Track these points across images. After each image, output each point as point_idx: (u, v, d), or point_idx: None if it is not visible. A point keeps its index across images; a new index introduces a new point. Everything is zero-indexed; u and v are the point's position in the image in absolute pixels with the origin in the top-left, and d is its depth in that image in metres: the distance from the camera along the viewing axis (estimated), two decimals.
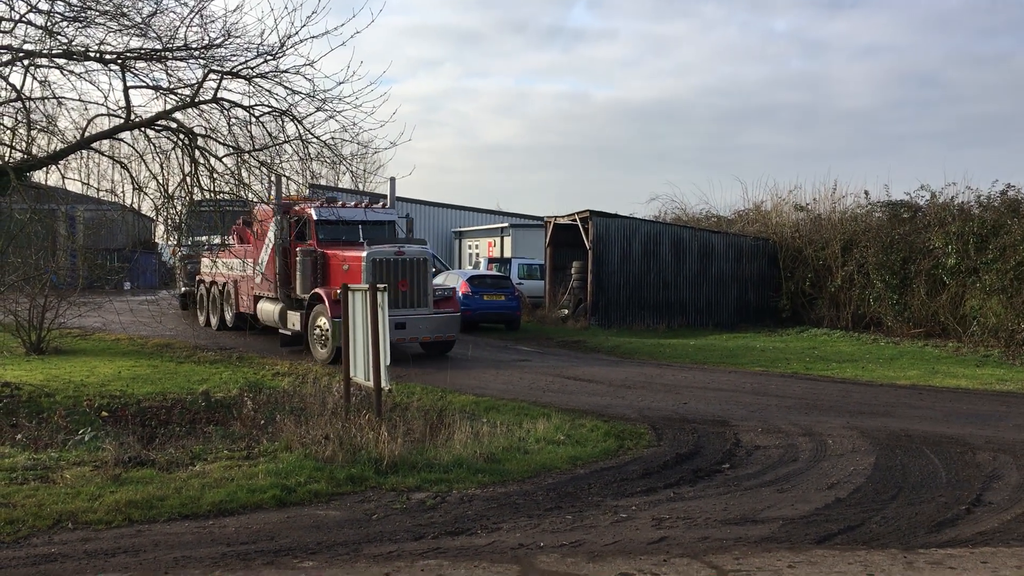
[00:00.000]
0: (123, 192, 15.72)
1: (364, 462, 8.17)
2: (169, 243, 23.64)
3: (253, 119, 12.10)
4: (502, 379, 14.18)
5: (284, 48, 11.32)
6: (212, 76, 11.61)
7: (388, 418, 9.50)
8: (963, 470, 8.03)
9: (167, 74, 11.74)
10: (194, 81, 11.77)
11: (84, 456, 8.68)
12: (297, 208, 18.43)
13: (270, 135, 12.39)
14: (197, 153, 11.97)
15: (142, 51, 11.59)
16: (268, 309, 19.07)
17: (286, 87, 11.71)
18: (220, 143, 12.16)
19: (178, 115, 11.97)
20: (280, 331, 18.10)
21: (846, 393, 12.59)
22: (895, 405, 11.51)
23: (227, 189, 12.70)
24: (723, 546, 6.11)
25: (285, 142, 12.37)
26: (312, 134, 12.19)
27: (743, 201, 25.44)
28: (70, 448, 9.24)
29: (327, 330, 16.22)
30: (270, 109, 11.96)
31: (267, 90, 11.77)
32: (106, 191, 15.44)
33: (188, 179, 12.17)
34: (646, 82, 76.03)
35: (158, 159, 12.46)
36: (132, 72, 11.74)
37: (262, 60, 11.48)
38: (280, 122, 12.22)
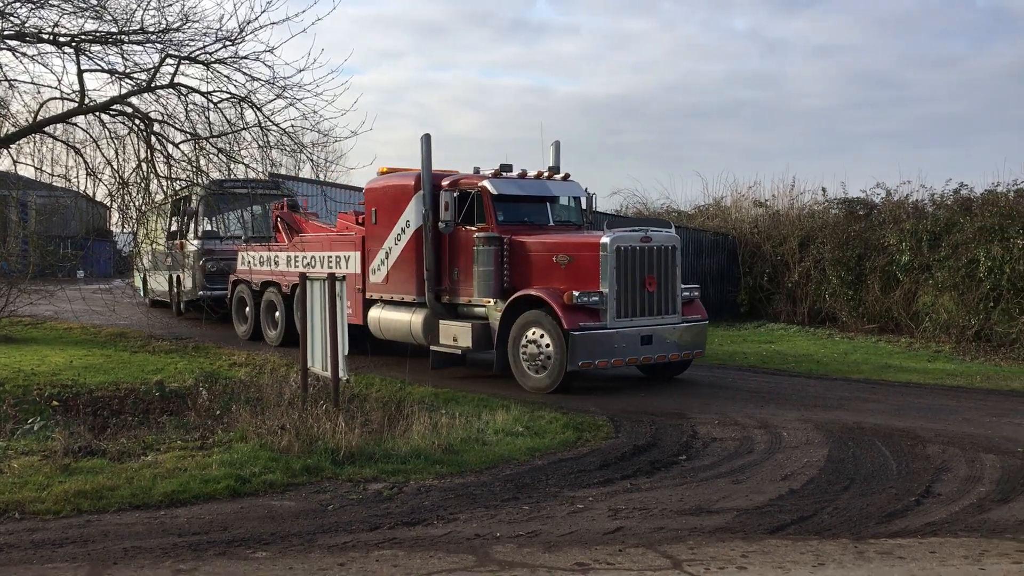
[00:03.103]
0: (77, 178, 15.43)
1: (321, 452, 8.11)
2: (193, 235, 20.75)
3: (211, 105, 11.93)
4: (463, 371, 14.15)
5: (243, 34, 11.17)
6: (169, 61, 11.43)
7: (346, 409, 9.44)
8: (913, 462, 8.17)
9: (123, 58, 11.55)
10: (150, 66, 11.59)
11: (33, 446, 8.52)
12: (451, 180, 13.75)
13: (229, 122, 12.23)
14: (153, 139, 11.77)
15: (97, 34, 11.37)
16: (396, 320, 14.32)
17: (245, 73, 11.57)
18: (177, 129, 11.97)
19: (134, 100, 11.78)
20: (432, 348, 13.62)
21: (801, 387, 12.75)
22: (848, 399, 11.69)
23: (184, 176, 12.52)
24: (678, 536, 6.15)
25: (244, 129, 12.22)
26: (272, 121, 12.05)
27: (703, 196, 25.61)
28: (18, 437, 9.06)
29: (549, 348, 12.00)
30: (229, 95, 11.81)
31: (226, 76, 11.62)
32: (59, 177, 15.14)
33: (144, 165, 11.97)
34: (608, 77, 76.44)
35: (113, 145, 12.26)
36: (86, 55, 11.52)
37: (221, 45, 11.34)
38: (239, 109, 12.07)
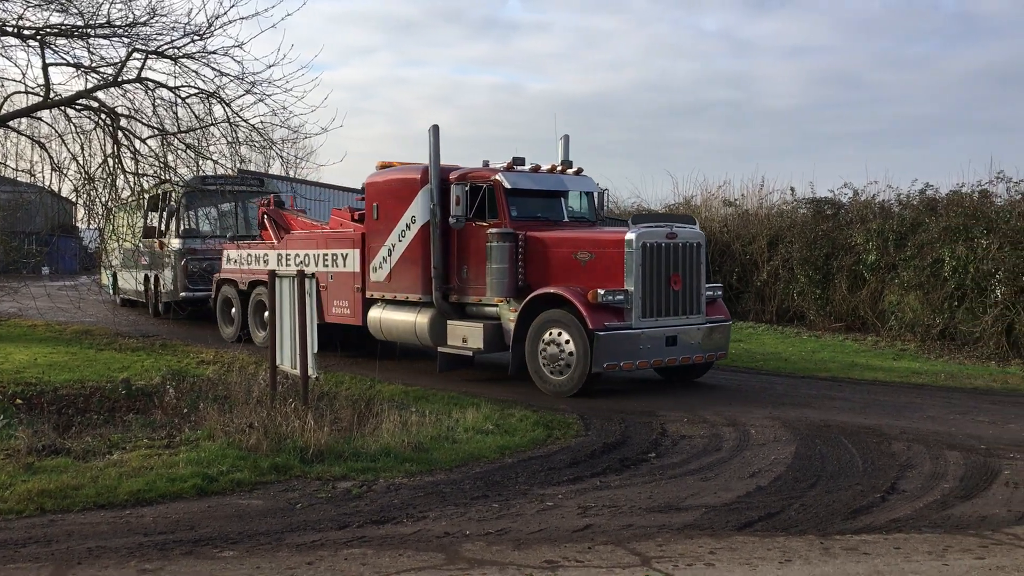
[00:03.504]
0: (42, 173, 15.21)
1: (289, 451, 8.06)
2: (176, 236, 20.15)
3: (179, 100, 11.82)
4: (433, 368, 14.12)
5: (212, 28, 11.07)
6: (136, 55, 11.29)
7: (315, 407, 9.39)
8: (879, 459, 8.27)
9: (89, 52, 11.40)
10: (117, 60, 11.45)
11: None
12: (461, 174, 13.17)
13: (197, 117, 12.11)
14: (120, 134, 11.63)
15: (62, 27, 11.21)
16: (399, 320, 13.74)
17: (214, 68, 11.46)
18: (144, 124, 11.84)
19: (100, 94, 11.63)
20: (440, 350, 13.16)
21: (769, 384, 12.86)
22: (816, 397, 11.80)
23: (151, 172, 12.39)
24: (647, 533, 6.18)
25: (212, 124, 12.11)
26: (241, 117, 11.96)
27: (674, 195, 25.62)
28: None
29: (570, 349, 11.47)
30: (197, 91, 11.70)
31: (194, 71, 11.51)
32: (24, 172, 14.91)
33: (110, 161, 11.82)
34: (580, 75, 76.64)
35: (79, 140, 12.09)
36: (52, 49, 11.35)
37: (189, 40, 11.22)
38: (207, 104, 11.96)
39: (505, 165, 13.05)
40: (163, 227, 20.97)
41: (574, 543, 5.98)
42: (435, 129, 13.02)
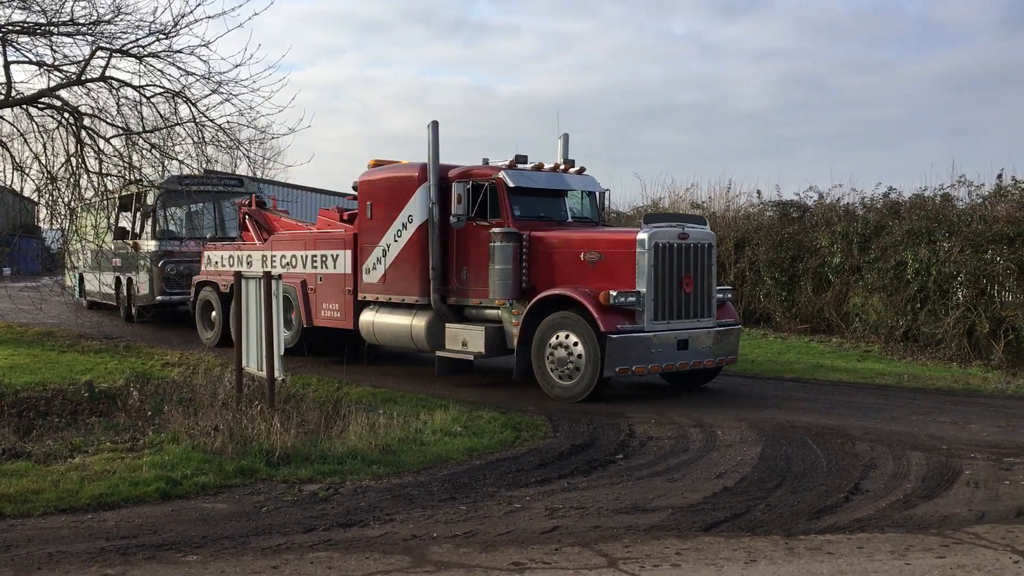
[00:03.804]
0: (3, 172, 14.95)
1: (255, 454, 7.99)
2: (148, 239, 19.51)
3: (144, 100, 11.71)
4: (401, 370, 14.08)
5: (178, 27, 10.99)
6: (100, 53, 11.17)
7: (281, 409, 9.31)
8: (843, 459, 8.36)
9: (52, 50, 11.26)
10: (81, 58, 11.31)
11: None
12: (461, 171, 12.83)
13: (162, 117, 12.00)
14: (83, 134, 11.49)
15: (25, 25, 11.06)
16: (394, 324, 13.40)
17: (180, 68, 11.37)
18: (108, 124, 11.72)
19: (63, 93, 11.49)
20: (438, 354, 12.84)
21: (736, 386, 12.96)
22: (781, 398, 11.92)
23: (116, 172, 12.24)
24: (614, 535, 6.20)
25: (178, 124, 12.01)
26: (207, 117, 11.87)
27: (642, 198, 25.71)
28: None
29: (580, 353, 11.19)
30: (162, 90, 11.60)
31: (159, 70, 11.42)
32: None
33: (73, 160, 11.68)
34: (549, 77, 76.78)
35: (41, 139, 11.92)
36: (14, 46, 11.20)
37: (154, 39, 11.12)
38: (173, 104, 11.86)
39: (507, 163, 12.72)
40: (138, 228, 20.43)
41: (541, 545, 5.98)
42: (434, 125, 12.71)
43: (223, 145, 12.88)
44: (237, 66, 11.16)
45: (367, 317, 13.89)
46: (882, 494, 7.23)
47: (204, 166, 14.58)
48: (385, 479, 7.76)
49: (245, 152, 13.59)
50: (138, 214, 20.38)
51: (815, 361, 15.46)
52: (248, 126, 12.34)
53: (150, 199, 19.40)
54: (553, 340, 11.50)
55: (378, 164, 14.11)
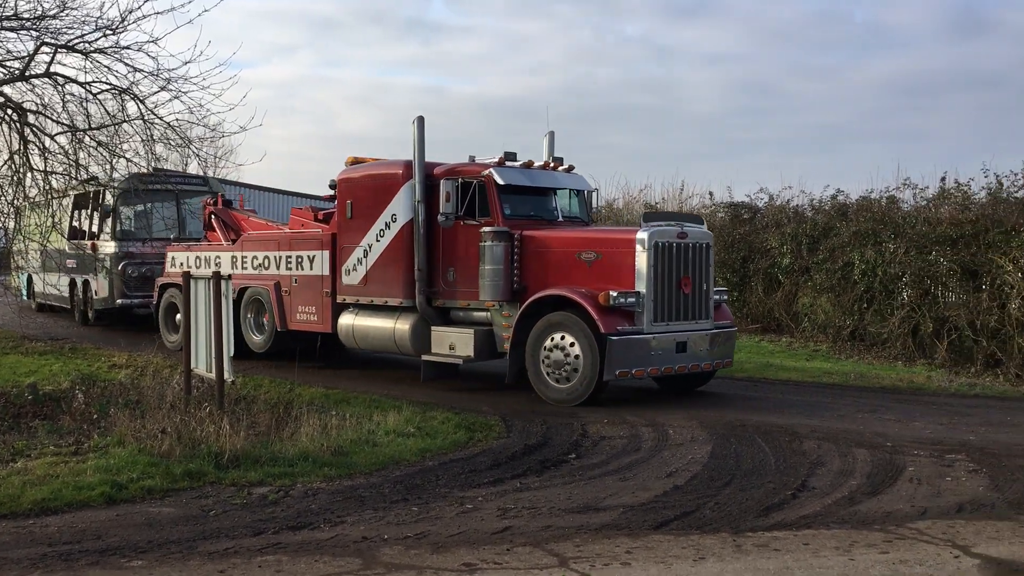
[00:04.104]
0: None
1: (204, 457, 7.89)
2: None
3: (90, 96, 11.50)
4: (355, 372, 13.99)
5: (125, 23, 10.79)
6: (45, 49, 10.94)
7: (231, 411, 9.22)
8: (791, 457, 8.49)
9: None
10: (24, 53, 11.07)
11: None
12: (448, 169, 12.46)
13: (110, 114, 11.80)
14: (27, 131, 11.25)
15: None
16: (376, 327, 13.00)
17: (127, 64, 11.17)
18: (54, 121, 11.48)
19: (6, 89, 11.22)
20: (424, 358, 12.47)
21: (688, 385, 13.07)
22: (732, 397, 12.07)
23: (61, 170, 12.02)
24: (565, 534, 6.23)
25: (125, 122, 11.81)
26: (155, 115, 11.68)
27: (596, 199, 25.90)
28: None
29: (577, 355, 10.91)
30: (109, 87, 11.40)
31: (106, 66, 11.21)
32: None
33: (16, 158, 11.43)
34: (504, 79, 76.75)
35: None
36: None
37: (101, 34, 10.92)
38: (120, 101, 11.66)
39: (496, 160, 12.37)
40: (95, 229, 19.59)
41: (493, 545, 5.99)
42: (420, 121, 12.35)
43: (172, 143, 12.70)
44: (187, 63, 11.00)
45: (346, 320, 13.47)
46: (828, 491, 7.36)
47: (153, 164, 14.35)
48: (336, 481, 7.70)
49: (195, 151, 13.42)
50: (96, 214, 19.64)
51: (765, 360, 15.67)
52: (198, 124, 12.18)
53: (109, 198, 18.66)
54: (549, 342, 11.20)
55: (356, 162, 13.72)
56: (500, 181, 12.02)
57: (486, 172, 12.09)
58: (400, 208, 12.61)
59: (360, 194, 13.24)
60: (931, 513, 6.70)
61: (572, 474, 8.01)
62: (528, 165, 12.71)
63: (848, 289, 17.01)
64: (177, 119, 11.69)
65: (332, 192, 14.20)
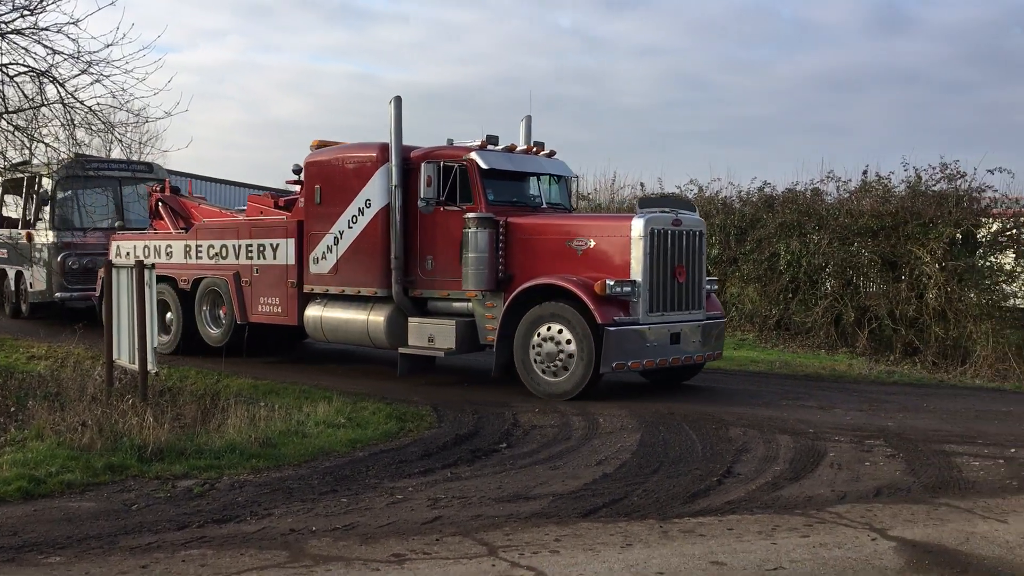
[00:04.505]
0: None
1: (126, 450, 7.70)
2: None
3: (7, 79, 11.14)
4: (285, 362, 13.80)
5: (44, 3, 10.50)
6: None
7: (155, 403, 9.02)
8: (717, 444, 8.65)
9: None
10: None
11: None
12: (425, 152, 12.01)
13: (27, 98, 11.45)
14: None
15: None
16: (347, 319, 12.46)
17: (46, 46, 10.87)
18: None
19: None
20: (401, 351, 12.02)
21: (618, 375, 13.18)
22: (661, 385, 12.21)
23: None
24: (495, 523, 6.25)
25: (44, 105, 11.47)
26: (76, 98, 11.37)
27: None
28: None
29: (571, 347, 10.60)
30: (28, 69, 11.06)
31: (24, 48, 10.88)
32: None
33: None
34: (438, 67, 76.27)
35: None
36: None
37: (18, 15, 10.61)
38: (39, 84, 11.33)
39: (479, 144, 11.88)
40: (31, 217, 18.42)
41: (422, 535, 5.98)
42: (397, 101, 11.83)
43: (94, 128, 12.36)
44: (108, 46, 10.74)
45: (314, 312, 12.88)
46: (752, 477, 7.52)
47: (74, 150, 13.93)
48: (264, 473, 7.60)
49: (118, 136, 13.08)
50: (31, 201, 18.51)
51: None
52: (121, 108, 11.89)
53: (46, 184, 17.71)
54: (539, 334, 10.84)
55: (323, 145, 13.15)
56: (483, 165, 11.58)
57: (468, 156, 11.64)
58: (375, 193, 12.09)
59: (330, 178, 12.63)
60: (850, 497, 6.90)
61: (503, 463, 8.04)
62: (510, 149, 12.33)
63: (774, 279, 17.41)
64: (99, 103, 11.41)
65: (297, 177, 13.62)
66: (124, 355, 9.68)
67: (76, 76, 11.04)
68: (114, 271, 9.84)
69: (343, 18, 77.03)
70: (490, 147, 11.95)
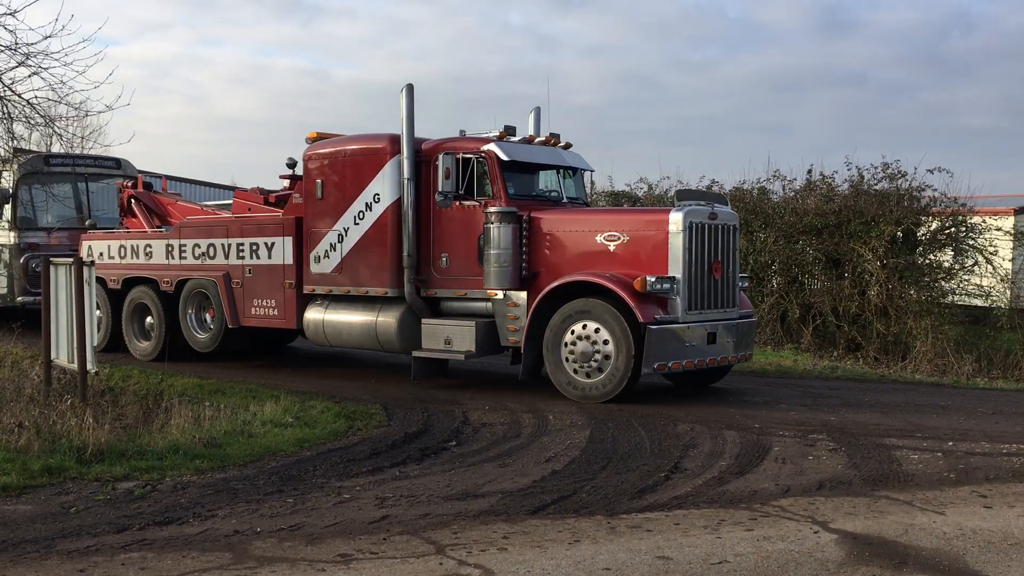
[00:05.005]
0: None
1: (65, 451, 7.52)
2: None
3: None
4: (231, 361, 13.59)
5: None
6: None
7: (95, 403, 8.82)
8: (665, 440, 8.72)
9: None
10: None
11: None
12: (438, 143, 11.48)
13: None
14: None
15: None
16: (353, 321, 11.83)
17: None
18: None
19: None
20: (415, 355, 11.41)
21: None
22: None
23: None
24: (443, 521, 6.22)
25: None
26: (13, 91, 11.07)
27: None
28: None
29: (608, 346, 10.18)
30: None
31: None
32: None
33: None
34: (387, 63, 75.94)
35: None
36: None
37: None
38: None
39: (498, 134, 11.40)
40: None
41: (370, 535, 5.93)
42: (409, 89, 11.31)
43: (33, 122, 12.06)
44: (47, 37, 10.47)
45: (315, 315, 12.18)
46: (699, 472, 7.59)
47: (12, 144, 13.54)
48: (208, 474, 7.47)
49: (58, 130, 12.77)
50: None
51: None
52: (60, 102, 11.61)
53: (5, 182, 16.88)
54: (573, 332, 10.39)
55: (320, 137, 12.46)
56: (504, 157, 11.05)
57: (487, 147, 11.13)
58: (385, 187, 11.47)
59: (334, 172, 12.00)
60: (794, 491, 7.00)
61: (452, 461, 8.01)
62: (529, 140, 11.90)
63: None
64: (37, 96, 11.12)
65: (291, 172, 13.14)
66: (63, 354, 9.46)
67: (13, 68, 10.77)
68: (52, 268, 9.60)
69: (291, 12, 76.26)
70: (508, 138, 11.51)
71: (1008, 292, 18.12)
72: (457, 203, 11.15)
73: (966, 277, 17.26)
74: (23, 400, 8.79)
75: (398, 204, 11.40)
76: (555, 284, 10.54)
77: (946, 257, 17.25)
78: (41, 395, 8.99)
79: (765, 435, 8.92)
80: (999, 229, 17.73)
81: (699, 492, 7.01)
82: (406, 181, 11.29)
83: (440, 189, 10.97)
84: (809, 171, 18.52)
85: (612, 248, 10.54)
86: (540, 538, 5.87)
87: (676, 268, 10.26)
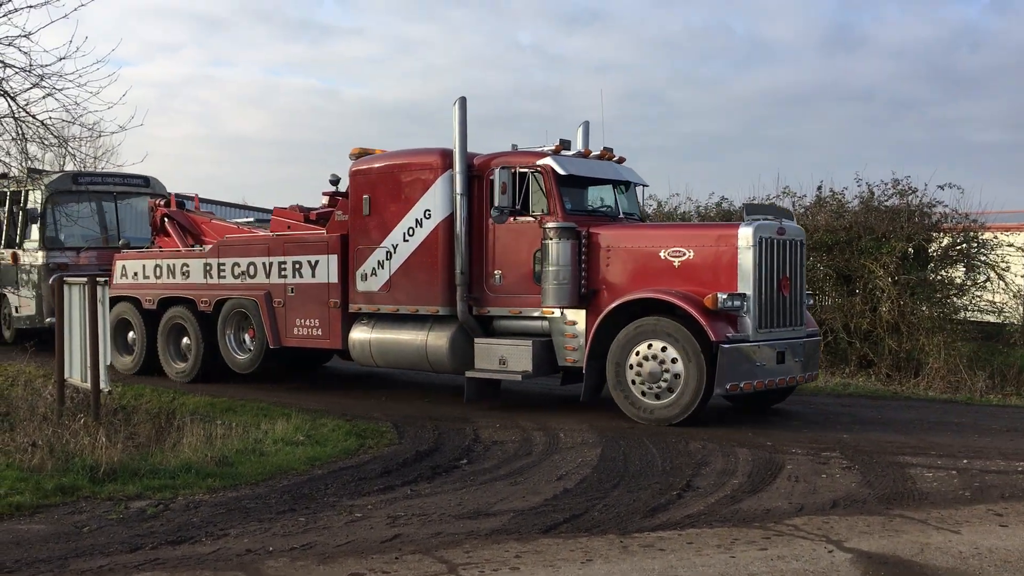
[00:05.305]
0: None
1: (78, 470, 7.55)
2: None
3: None
4: (243, 380, 13.61)
5: None
6: None
7: (108, 422, 8.86)
8: (677, 458, 8.69)
9: None
10: None
11: None
12: (488, 157, 11.29)
13: None
14: None
15: None
16: (402, 340, 11.52)
17: None
18: None
19: None
20: (468, 375, 11.14)
21: (576, 391, 13.15)
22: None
23: None
24: (455, 540, 6.21)
25: None
26: (27, 112, 11.19)
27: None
28: None
29: (677, 366, 9.85)
30: None
31: None
32: None
33: None
34: (395, 82, 76.19)
35: None
36: None
37: None
38: None
39: (554, 148, 11.17)
40: (17, 235, 17.03)
41: (381, 554, 5.92)
42: (462, 102, 11.06)
43: (47, 143, 12.18)
44: (62, 59, 10.59)
45: (361, 335, 11.87)
46: (711, 490, 7.56)
47: (26, 164, 13.67)
48: (220, 492, 7.48)
49: (72, 150, 12.88)
50: (18, 218, 17.02)
51: None
52: (74, 123, 11.71)
53: (34, 200, 16.57)
54: (639, 352, 10.08)
55: (364, 153, 12.20)
56: (560, 171, 10.81)
57: (543, 161, 10.89)
58: (436, 202, 11.21)
59: (382, 188, 11.71)
60: (807, 509, 6.96)
61: (463, 480, 8.00)
62: (584, 154, 11.69)
63: None
64: (51, 117, 11.23)
65: (333, 188, 12.80)
66: (76, 373, 9.51)
67: (28, 90, 10.89)
68: (65, 288, 9.67)
69: (302, 32, 76.77)
70: (564, 152, 11.28)
71: (1021, 308, 18.02)
72: (512, 219, 10.93)
73: (978, 293, 17.14)
74: (36, 419, 8.84)
75: (450, 220, 11.19)
76: (621, 300, 10.25)
77: (958, 273, 17.14)
78: (54, 414, 9.04)
79: (778, 453, 8.88)
80: (1011, 245, 17.63)
81: (712, 511, 6.97)
82: (458, 196, 11.07)
83: (496, 204, 10.79)
84: (819, 187, 18.41)
85: (677, 264, 10.27)
86: (552, 557, 5.85)
87: (746, 285, 10.00)
